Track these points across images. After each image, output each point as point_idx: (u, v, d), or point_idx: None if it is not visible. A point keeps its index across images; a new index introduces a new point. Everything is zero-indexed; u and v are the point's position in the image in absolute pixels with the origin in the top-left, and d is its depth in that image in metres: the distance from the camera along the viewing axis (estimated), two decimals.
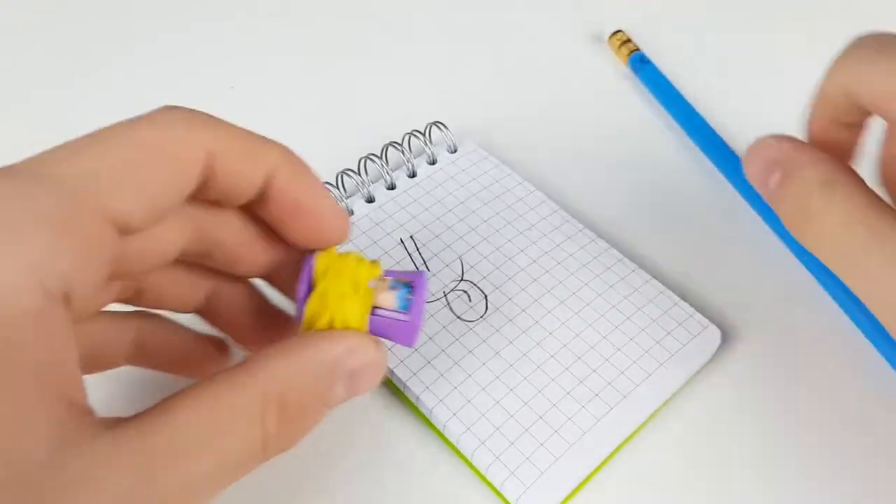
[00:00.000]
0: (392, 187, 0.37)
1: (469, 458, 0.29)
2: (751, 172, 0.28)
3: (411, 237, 0.35)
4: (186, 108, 0.23)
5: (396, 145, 0.37)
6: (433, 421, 0.30)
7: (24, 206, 0.19)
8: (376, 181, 0.37)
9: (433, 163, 0.38)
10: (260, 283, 0.29)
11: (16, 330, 0.18)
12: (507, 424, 0.29)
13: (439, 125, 0.38)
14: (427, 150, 0.38)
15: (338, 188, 0.35)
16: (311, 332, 0.24)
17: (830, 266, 0.26)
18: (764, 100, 0.42)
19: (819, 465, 0.29)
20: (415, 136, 0.38)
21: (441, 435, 0.30)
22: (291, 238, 0.26)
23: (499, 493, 0.28)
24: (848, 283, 0.25)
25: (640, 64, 0.44)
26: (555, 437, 0.29)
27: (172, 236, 0.25)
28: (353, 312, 0.24)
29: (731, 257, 0.36)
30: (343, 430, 0.30)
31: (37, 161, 0.20)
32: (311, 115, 0.42)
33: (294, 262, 0.26)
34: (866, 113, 0.27)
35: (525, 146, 0.40)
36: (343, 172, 0.36)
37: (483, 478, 0.29)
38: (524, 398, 0.30)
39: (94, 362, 0.27)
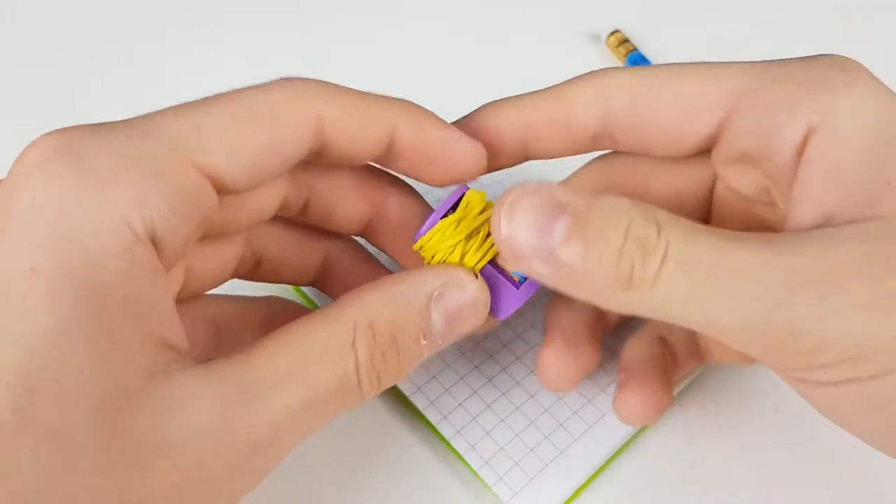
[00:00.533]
0: None
1: (463, 456, 0.29)
2: (522, 233, 0.21)
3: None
4: (303, 78, 0.23)
5: None
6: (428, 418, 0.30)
7: (117, 153, 0.20)
8: None
9: None
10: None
11: (106, 267, 0.19)
12: (498, 428, 0.29)
13: None
14: None
15: None
16: (406, 270, 0.24)
17: (689, 309, 0.21)
18: None
19: (821, 460, 0.29)
20: None
21: (436, 431, 0.30)
22: (427, 182, 0.25)
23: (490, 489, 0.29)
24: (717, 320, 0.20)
25: (638, 64, 0.44)
26: (545, 442, 0.29)
27: (272, 194, 0.25)
28: (475, 250, 0.23)
29: None
30: (339, 425, 0.30)
31: (143, 117, 0.21)
32: None
33: (390, 215, 0.27)
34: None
35: None
36: None
37: (476, 474, 0.29)
38: (516, 402, 0.30)
39: (222, 344, 0.27)
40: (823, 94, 0.22)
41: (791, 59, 0.24)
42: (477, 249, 0.23)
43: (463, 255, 0.24)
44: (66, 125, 0.39)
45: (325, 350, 0.21)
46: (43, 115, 0.42)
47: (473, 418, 0.30)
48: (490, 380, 0.31)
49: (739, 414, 0.31)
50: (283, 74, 0.24)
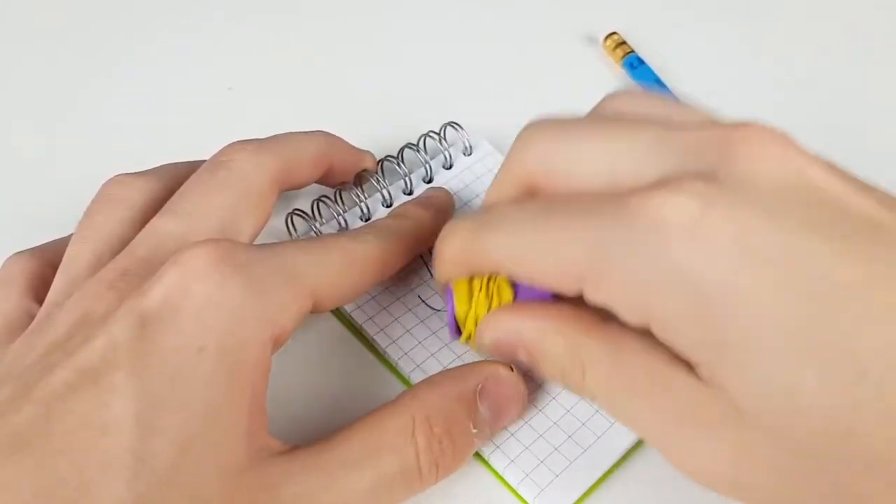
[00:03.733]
0: (410, 192, 0.37)
1: (487, 459, 0.30)
2: (499, 353, 0.28)
3: (429, 249, 0.35)
4: (379, 231, 0.31)
5: (412, 146, 0.37)
6: None
7: (270, 272, 0.25)
8: (394, 184, 0.37)
9: (449, 167, 0.38)
10: None
11: (249, 358, 0.24)
12: (522, 430, 0.30)
13: (454, 125, 0.38)
14: (443, 151, 0.38)
15: (356, 187, 0.35)
16: (455, 368, 0.29)
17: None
18: (759, 102, 0.43)
19: None
20: (430, 137, 0.37)
21: None
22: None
23: (516, 492, 0.30)
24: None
25: (635, 66, 0.45)
26: (569, 441, 0.30)
27: None
28: (504, 290, 0.28)
29: None
30: None
31: (277, 246, 0.27)
32: (320, 116, 0.42)
33: None
34: None
35: None
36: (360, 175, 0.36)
37: (502, 479, 0.30)
38: (539, 405, 0.31)
39: None
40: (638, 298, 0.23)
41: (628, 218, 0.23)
42: (489, 291, 0.28)
43: (489, 302, 0.28)
44: (65, 125, 0.41)
45: (390, 439, 0.26)
46: (43, 115, 0.42)
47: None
48: None
49: None
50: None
